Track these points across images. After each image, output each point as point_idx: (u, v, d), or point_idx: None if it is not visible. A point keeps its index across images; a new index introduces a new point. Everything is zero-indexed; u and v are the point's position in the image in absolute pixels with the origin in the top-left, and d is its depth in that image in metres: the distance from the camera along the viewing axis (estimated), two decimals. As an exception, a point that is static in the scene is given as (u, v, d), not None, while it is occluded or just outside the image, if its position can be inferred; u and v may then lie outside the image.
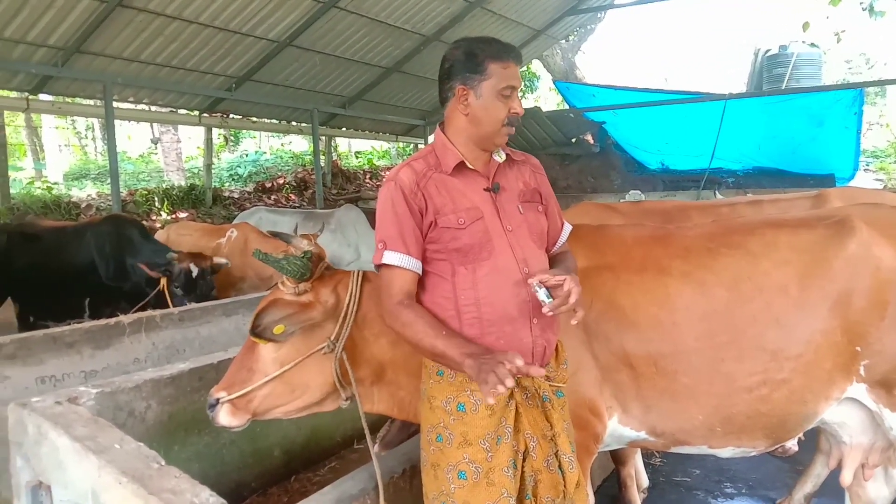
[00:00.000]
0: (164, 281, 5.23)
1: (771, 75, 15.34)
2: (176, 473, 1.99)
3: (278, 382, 2.26)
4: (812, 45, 15.77)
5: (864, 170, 15.83)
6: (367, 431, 2.30)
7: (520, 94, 2.06)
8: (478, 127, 2.01)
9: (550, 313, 1.87)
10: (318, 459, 3.99)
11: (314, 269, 2.25)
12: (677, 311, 2.39)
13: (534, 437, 1.97)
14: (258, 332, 2.18)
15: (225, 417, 2.28)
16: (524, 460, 1.98)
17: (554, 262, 2.19)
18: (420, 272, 2.02)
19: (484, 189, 2.04)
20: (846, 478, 2.71)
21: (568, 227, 2.30)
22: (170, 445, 3.15)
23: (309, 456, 3.94)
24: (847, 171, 11.91)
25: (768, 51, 15.72)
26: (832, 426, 2.60)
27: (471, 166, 2.04)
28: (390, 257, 1.97)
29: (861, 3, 14.08)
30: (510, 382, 1.65)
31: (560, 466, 2.00)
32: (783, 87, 14.28)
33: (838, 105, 11.64)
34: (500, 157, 2.10)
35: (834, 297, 2.35)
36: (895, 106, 21.31)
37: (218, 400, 2.28)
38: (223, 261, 5.69)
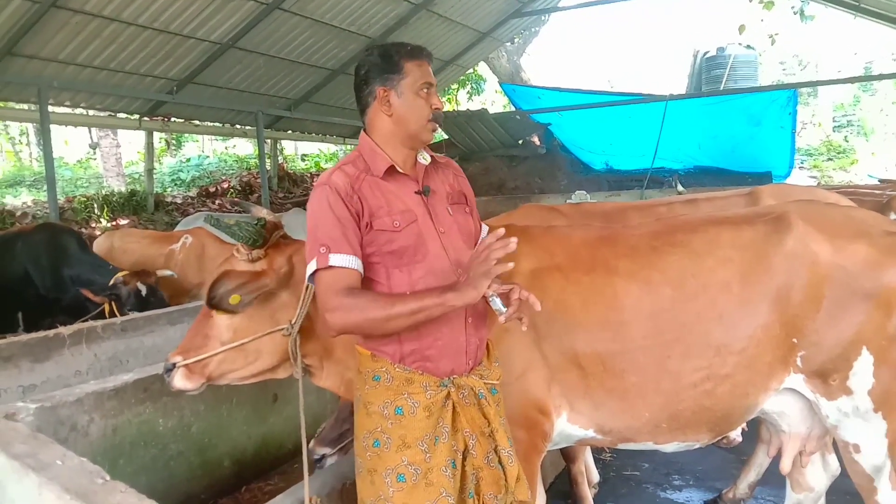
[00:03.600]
0: (110, 305, 5.03)
1: (709, 76, 15.82)
2: (122, 488, 1.95)
3: (233, 349, 2.34)
4: (748, 47, 16.32)
5: (799, 167, 16.46)
6: (302, 419, 2.30)
7: (438, 95, 2.10)
8: (404, 126, 2.02)
9: (505, 321, 1.90)
10: (269, 468, 3.95)
11: (268, 236, 2.29)
12: (625, 311, 2.42)
13: (473, 434, 1.99)
14: (214, 302, 2.25)
15: (180, 381, 2.38)
16: (465, 459, 2.00)
17: None
18: (363, 274, 1.95)
19: (415, 192, 2.04)
20: (786, 465, 2.81)
21: (485, 229, 2.30)
22: (115, 459, 3.08)
23: (260, 465, 3.89)
24: (783, 168, 12.35)
25: (706, 53, 16.20)
26: (772, 416, 2.69)
27: (400, 170, 2.04)
28: (338, 259, 1.88)
29: (793, 8, 14.61)
30: (497, 269, 1.77)
31: (500, 461, 2.02)
32: (721, 88, 14.71)
33: (774, 105, 12.06)
34: (425, 160, 2.10)
35: (774, 291, 2.41)
36: (827, 106, 22.16)
37: (174, 364, 2.37)
38: (168, 272, 5.55)
